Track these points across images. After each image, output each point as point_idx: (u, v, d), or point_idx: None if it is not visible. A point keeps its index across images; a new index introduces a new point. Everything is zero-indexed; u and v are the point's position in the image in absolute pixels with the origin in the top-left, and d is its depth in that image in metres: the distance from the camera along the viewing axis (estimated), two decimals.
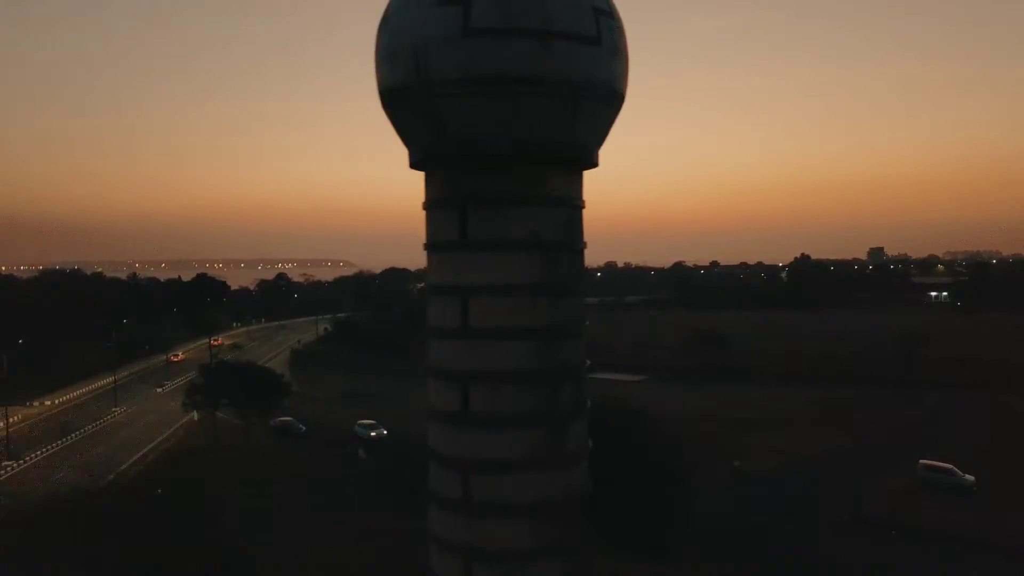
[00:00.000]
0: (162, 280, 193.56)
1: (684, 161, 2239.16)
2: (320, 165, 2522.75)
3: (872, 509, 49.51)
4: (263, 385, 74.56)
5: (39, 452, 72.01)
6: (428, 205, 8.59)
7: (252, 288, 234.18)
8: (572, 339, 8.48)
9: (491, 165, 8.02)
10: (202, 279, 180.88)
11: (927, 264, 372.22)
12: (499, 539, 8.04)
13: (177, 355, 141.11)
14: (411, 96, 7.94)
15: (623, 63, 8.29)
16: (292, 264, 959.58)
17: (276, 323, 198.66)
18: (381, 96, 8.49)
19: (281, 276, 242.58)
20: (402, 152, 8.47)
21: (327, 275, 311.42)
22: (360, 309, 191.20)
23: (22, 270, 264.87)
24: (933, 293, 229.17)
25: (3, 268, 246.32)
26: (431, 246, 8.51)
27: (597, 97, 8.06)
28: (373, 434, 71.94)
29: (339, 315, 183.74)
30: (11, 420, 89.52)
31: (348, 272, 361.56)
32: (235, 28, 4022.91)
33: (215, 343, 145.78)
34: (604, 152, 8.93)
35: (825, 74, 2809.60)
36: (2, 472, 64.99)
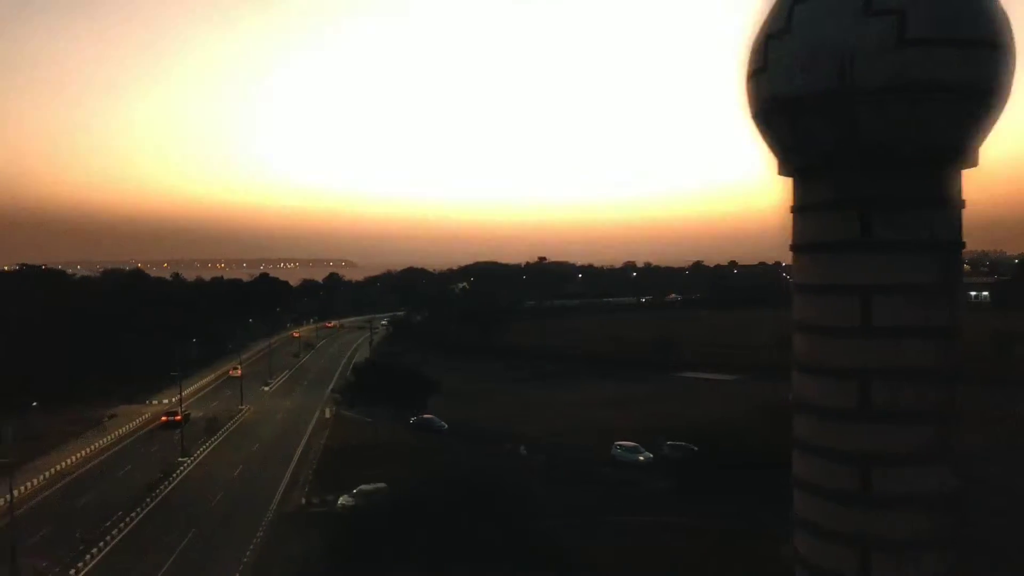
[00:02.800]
0: (225, 280, 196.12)
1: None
2: (312, 165, 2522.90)
3: None
4: (413, 384, 77.32)
5: (200, 450, 74.59)
6: (806, 208, 8.94)
7: (296, 287, 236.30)
8: (959, 338, 8.71)
9: (896, 168, 8.30)
10: (265, 279, 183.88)
11: None
12: (900, 530, 8.30)
13: (297, 332, 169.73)
14: (825, 103, 8.10)
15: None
16: (295, 264, 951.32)
17: (335, 322, 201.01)
18: (770, 103, 8.58)
19: (333, 275, 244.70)
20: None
21: (328, 273, 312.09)
22: (409, 308, 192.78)
23: (78, 270, 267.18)
24: (972, 293, 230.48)
25: (69, 269, 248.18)
26: (811, 247, 8.86)
27: (1001, 101, 8.48)
28: (641, 458, 66.10)
29: (397, 314, 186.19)
30: (142, 417, 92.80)
31: (349, 271, 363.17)
32: (227, 29, 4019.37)
33: (329, 326, 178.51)
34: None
35: None
36: (182, 468, 67.72)
